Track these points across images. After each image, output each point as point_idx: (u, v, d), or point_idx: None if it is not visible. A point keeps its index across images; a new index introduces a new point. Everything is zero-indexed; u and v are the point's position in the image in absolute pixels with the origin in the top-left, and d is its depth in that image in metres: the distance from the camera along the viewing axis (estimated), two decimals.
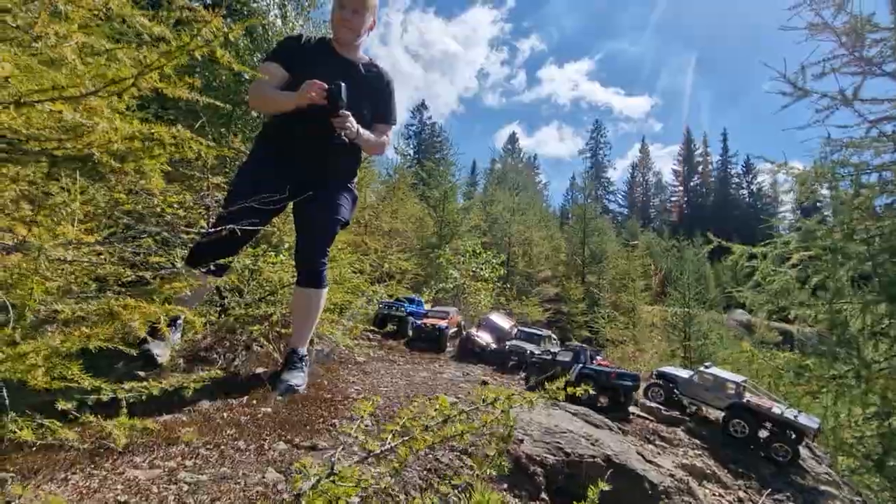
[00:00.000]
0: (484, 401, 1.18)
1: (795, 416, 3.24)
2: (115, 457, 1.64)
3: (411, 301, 5.99)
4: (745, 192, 69.41)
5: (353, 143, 2.66)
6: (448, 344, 5.36)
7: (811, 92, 6.05)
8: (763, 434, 3.28)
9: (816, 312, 5.92)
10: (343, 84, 2.35)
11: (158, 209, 2.85)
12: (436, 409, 1.15)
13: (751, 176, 68.65)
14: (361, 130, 2.58)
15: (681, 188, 75.91)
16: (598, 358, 4.01)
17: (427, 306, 6.48)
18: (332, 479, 0.94)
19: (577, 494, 1.78)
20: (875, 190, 5.72)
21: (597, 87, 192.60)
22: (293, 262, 3.82)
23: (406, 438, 1.06)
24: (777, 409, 3.33)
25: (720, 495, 2.58)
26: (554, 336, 5.82)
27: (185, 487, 1.53)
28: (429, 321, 5.35)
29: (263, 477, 1.69)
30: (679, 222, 66.14)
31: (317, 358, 3.58)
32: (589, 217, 25.91)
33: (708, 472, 2.72)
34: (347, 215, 2.95)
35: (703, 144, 75.92)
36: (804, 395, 5.62)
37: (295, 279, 2.98)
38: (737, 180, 71.07)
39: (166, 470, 1.61)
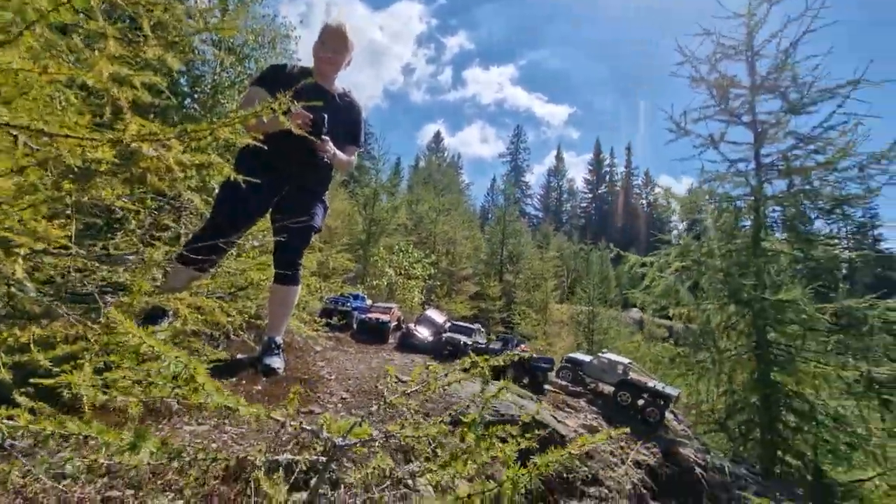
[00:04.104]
0: (463, 369, 1.83)
1: (663, 388, 4.30)
2: (167, 418, 2.09)
3: (355, 297, 6.48)
4: (644, 201, 76.86)
5: (328, 163, 3.17)
6: (390, 336, 5.93)
7: (690, 132, 7.48)
8: (640, 402, 4.31)
9: (688, 311, 7.38)
10: (325, 116, 2.85)
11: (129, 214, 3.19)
12: (432, 374, 1.79)
13: (649, 188, 76.19)
14: (337, 152, 3.08)
15: (590, 195, 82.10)
16: (522, 346, 4.85)
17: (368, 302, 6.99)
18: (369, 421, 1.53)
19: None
20: (733, 215, 7.25)
21: (520, 91, 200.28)
22: (261, 262, 4.21)
23: (422, 385, 1.70)
24: (651, 383, 4.39)
25: (607, 444, 3.50)
26: (482, 328, 6.63)
27: (235, 436, 2.04)
28: (373, 315, 5.88)
29: (284, 429, 2.23)
30: (587, 227, 71.62)
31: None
32: (508, 220, 27.62)
33: (600, 429, 3.63)
34: (320, 223, 3.44)
35: (611, 156, 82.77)
36: (676, 377, 7.02)
37: (273, 277, 3.41)
38: (637, 191, 78.49)
39: (214, 424, 2.10)
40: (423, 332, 5.82)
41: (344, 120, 3.21)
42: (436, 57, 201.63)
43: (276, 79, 3.03)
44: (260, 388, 2.90)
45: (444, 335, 5.78)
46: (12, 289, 1.89)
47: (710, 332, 6.62)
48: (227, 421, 2.16)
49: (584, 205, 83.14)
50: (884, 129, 6.77)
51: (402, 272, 11.62)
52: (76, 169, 1.84)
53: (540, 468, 1.42)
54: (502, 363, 1.80)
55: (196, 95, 7.37)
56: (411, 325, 6.00)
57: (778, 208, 7.13)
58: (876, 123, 6.30)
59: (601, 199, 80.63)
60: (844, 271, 8.52)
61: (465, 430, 1.38)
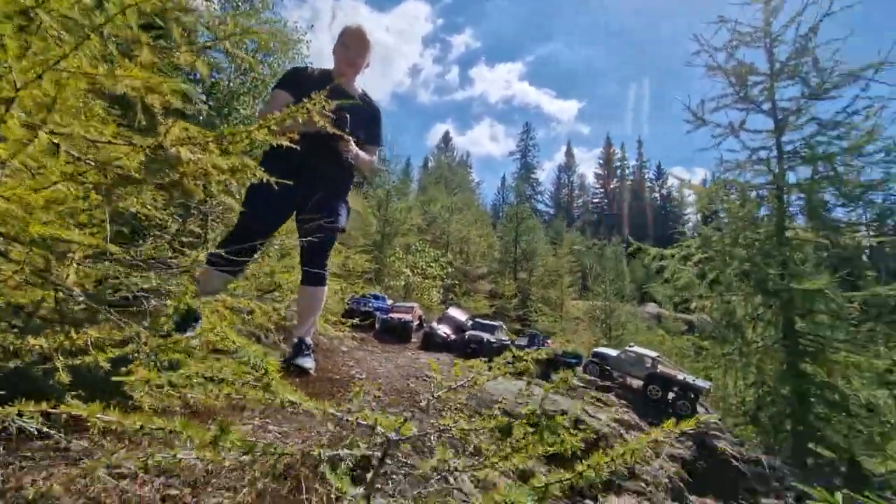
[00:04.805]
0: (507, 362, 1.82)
1: (693, 381, 4.25)
2: (210, 419, 2.11)
3: (376, 297, 6.53)
4: (657, 195, 76.00)
5: (351, 163, 3.20)
6: (412, 335, 5.95)
7: (708, 122, 7.38)
8: (671, 396, 4.26)
9: (711, 303, 7.26)
10: (348, 116, 2.88)
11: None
12: (475, 370, 1.78)
13: (661, 181, 75.35)
14: (359, 152, 3.11)
15: (602, 190, 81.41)
16: (549, 341, 4.84)
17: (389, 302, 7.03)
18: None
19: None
20: (755, 204, 7.13)
21: (528, 87, 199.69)
22: (286, 264, 4.26)
23: (464, 382, 1.70)
24: (681, 376, 4.34)
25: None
26: (504, 325, 6.63)
27: (278, 434, 2.06)
28: (395, 315, 5.91)
29: (328, 429, 2.24)
30: (600, 222, 71.06)
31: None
32: (521, 217, 27.52)
33: (633, 423, 3.60)
34: (344, 223, 3.47)
35: (622, 150, 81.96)
36: (702, 370, 6.93)
37: (301, 278, 3.44)
38: (650, 184, 77.64)
39: (257, 424, 2.12)
40: (446, 330, 5.84)
41: (364, 121, 3.25)
42: (442, 56, 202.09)
43: (297, 81, 3.07)
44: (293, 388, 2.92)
45: (468, 333, 5.80)
46: (60, 293, 1.94)
47: (736, 324, 6.51)
48: (269, 421, 2.18)
49: (596, 200, 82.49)
50: None
51: (419, 272, 11.65)
52: (107, 177, 1.86)
53: (589, 472, 1.41)
54: (545, 356, 1.80)
55: (211, 103, 7.48)
56: (434, 324, 6.02)
57: (801, 196, 7.00)
58: None
59: (613, 193, 79.90)
60: (866, 259, 8.34)
61: (523, 422, 1.37)
